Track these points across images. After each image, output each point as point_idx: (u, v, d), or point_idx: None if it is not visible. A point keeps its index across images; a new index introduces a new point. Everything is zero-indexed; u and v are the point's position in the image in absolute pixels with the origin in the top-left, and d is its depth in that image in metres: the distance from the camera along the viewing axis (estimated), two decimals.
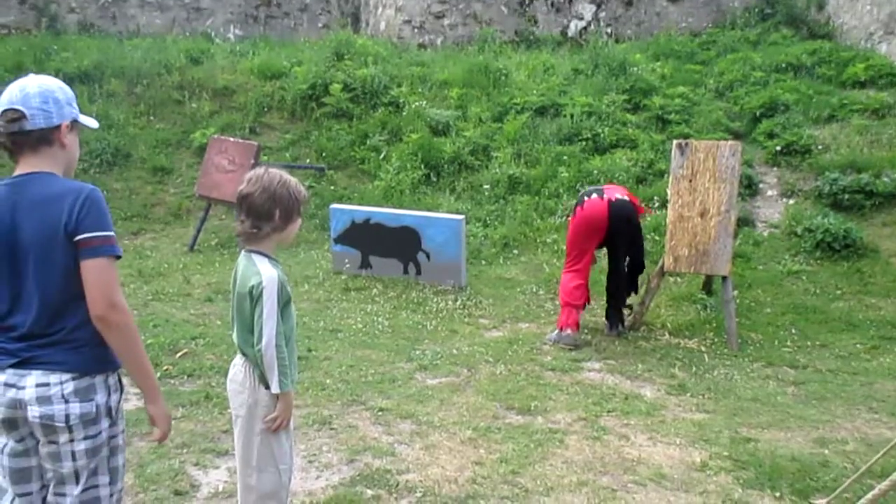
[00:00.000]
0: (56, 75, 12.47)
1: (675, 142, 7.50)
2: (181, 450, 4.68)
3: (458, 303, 8.07)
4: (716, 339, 7.27)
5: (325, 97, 12.56)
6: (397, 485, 4.35)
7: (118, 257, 2.66)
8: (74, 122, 2.78)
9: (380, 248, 8.81)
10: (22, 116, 2.62)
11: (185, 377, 5.85)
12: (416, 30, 15.18)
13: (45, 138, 2.67)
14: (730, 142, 7.48)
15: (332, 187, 11.29)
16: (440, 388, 5.91)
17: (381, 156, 11.67)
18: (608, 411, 5.55)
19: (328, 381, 5.89)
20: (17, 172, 2.69)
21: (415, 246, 8.64)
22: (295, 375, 3.26)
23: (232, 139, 10.35)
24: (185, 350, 6.34)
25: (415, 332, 7.26)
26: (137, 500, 4.10)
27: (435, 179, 11.13)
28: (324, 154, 11.87)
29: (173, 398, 5.42)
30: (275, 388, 3.17)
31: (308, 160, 11.74)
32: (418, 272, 8.68)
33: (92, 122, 2.92)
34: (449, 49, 14.92)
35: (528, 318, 7.77)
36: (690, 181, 7.29)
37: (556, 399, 5.74)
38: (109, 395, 2.72)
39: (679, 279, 8.55)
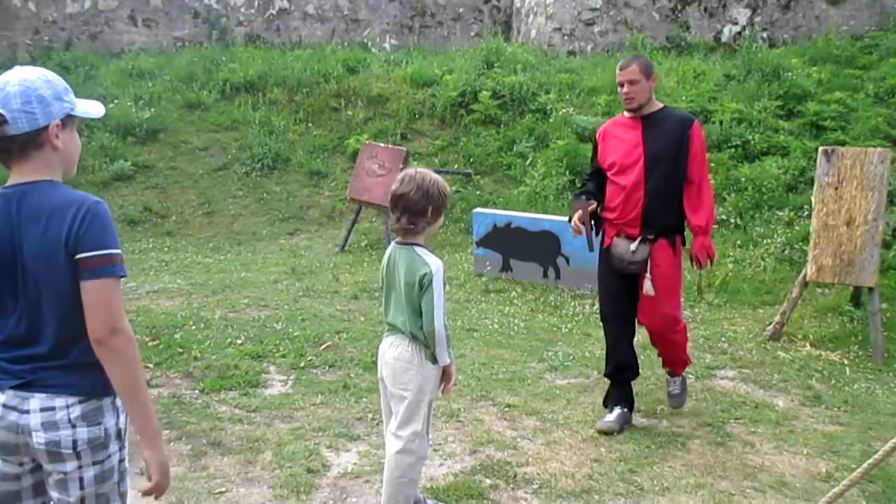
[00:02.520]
0: (224, 85, 13.60)
1: (821, 148, 7.32)
2: (317, 433, 5.01)
3: (595, 307, 8.07)
4: (860, 353, 7.05)
5: (474, 104, 12.85)
6: (515, 476, 4.52)
7: (122, 276, 2.40)
8: (69, 116, 2.49)
9: (520, 252, 8.99)
10: (3, 121, 2.34)
11: (327, 367, 6.21)
12: (566, 37, 15.27)
13: (32, 142, 2.40)
14: (878, 149, 7.23)
15: (478, 192, 11.55)
16: (568, 388, 6.04)
17: (528, 162, 11.84)
18: (736, 418, 5.52)
19: (460, 377, 6.09)
20: (11, 181, 2.44)
21: (555, 250, 8.77)
22: None
23: (382, 145, 10.79)
24: (328, 343, 6.71)
25: (549, 334, 7.39)
26: (273, 475, 4.45)
27: (580, 186, 11.17)
28: (471, 159, 12.17)
29: (314, 386, 5.79)
30: (444, 361, 3.67)
31: (455, 165, 12.07)
32: (557, 276, 8.79)
33: (95, 111, 2.59)
34: (599, 56, 14.92)
35: None
36: (836, 189, 7.11)
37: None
38: (118, 416, 2.50)
39: (827, 290, 8.30)
